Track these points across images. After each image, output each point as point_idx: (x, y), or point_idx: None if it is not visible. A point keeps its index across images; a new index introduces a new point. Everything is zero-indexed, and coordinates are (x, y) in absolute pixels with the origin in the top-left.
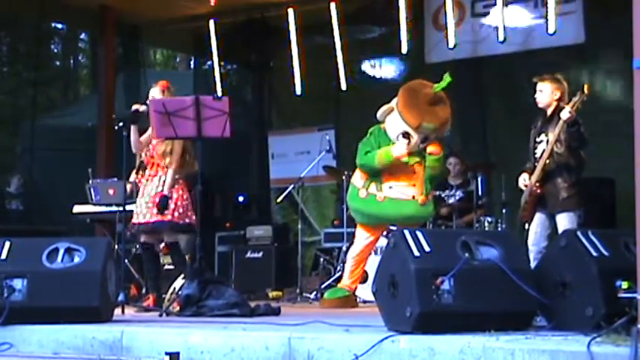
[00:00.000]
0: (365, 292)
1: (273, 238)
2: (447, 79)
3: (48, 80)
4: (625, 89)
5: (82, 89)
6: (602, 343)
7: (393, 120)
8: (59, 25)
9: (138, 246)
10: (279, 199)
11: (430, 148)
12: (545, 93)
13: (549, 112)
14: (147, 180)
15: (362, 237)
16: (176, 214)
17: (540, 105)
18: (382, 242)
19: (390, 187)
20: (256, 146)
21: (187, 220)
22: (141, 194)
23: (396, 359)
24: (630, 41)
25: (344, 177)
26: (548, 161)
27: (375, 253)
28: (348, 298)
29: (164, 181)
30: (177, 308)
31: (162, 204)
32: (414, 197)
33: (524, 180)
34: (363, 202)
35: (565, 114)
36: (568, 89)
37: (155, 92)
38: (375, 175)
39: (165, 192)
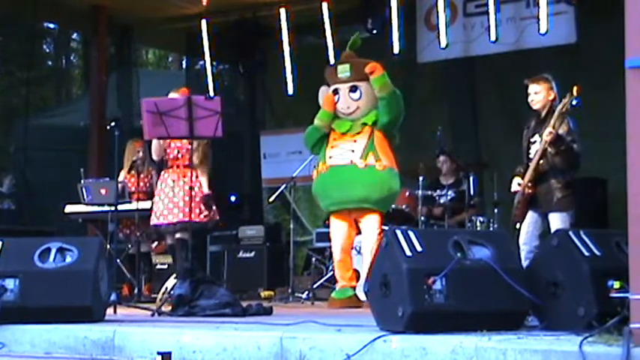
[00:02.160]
0: (357, 291)
1: (265, 238)
2: (353, 37)
3: (40, 80)
4: (617, 89)
5: (75, 89)
6: (594, 342)
7: (321, 94)
8: (51, 25)
9: (130, 246)
10: (271, 199)
11: (367, 69)
12: (541, 94)
13: (544, 113)
14: (173, 181)
15: (333, 228)
16: (202, 215)
17: (535, 107)
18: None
19: (331, 157)
20: (248, 146)
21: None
22: (164, 195)
23: (388, 359)
24: (622, 41)
25: None
26: (541, 162)
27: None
28: (356, 297)
29: (198, 182)
30: (170, 308)
31: (208, 203)
32: (352, 162)
33: (517, 185)
34: (315, 185)
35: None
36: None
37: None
38: (321, 151)
39: (206, 190)
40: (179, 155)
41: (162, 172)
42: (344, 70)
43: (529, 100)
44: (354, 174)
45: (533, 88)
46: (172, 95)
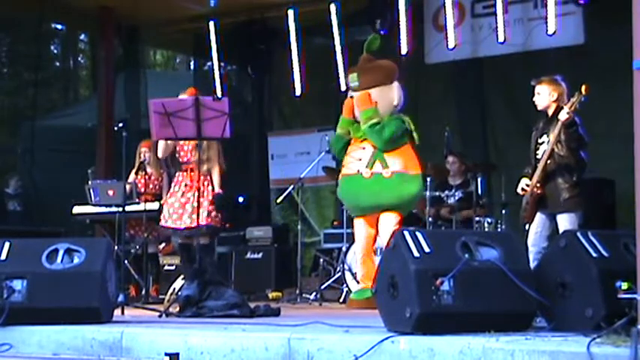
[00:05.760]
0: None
1: (273, 239)
2: (370, 37)
3: (48, 81)
4: (624, 90)
5: (82, 90)
6: (601, 344)
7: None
8: (59, 26)
9: (138, 247)
10: (279, 200)
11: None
12: (543, 95)
13: (550, 113)
14: (186, 185)
15: (355, 228)
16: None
17: (539, 107)
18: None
19: (344, 166)
20: (256, 147)
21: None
22: (175, 198)
23: None
24: (630, 42)
25: None
26: (549, 162)
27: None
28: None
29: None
30: (177, 309)
31: (219, 202)
32: (358, 171)
33: (525, 185)
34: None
35: (563, 115)
36: (567, 90)
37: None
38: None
39: (218, 190)
40: (191, 158)
41: (177, 175)
42: (352, 80)
43: (534, 99)
44: (360, 183)
45: (537, 89)
46: (182, 96)
